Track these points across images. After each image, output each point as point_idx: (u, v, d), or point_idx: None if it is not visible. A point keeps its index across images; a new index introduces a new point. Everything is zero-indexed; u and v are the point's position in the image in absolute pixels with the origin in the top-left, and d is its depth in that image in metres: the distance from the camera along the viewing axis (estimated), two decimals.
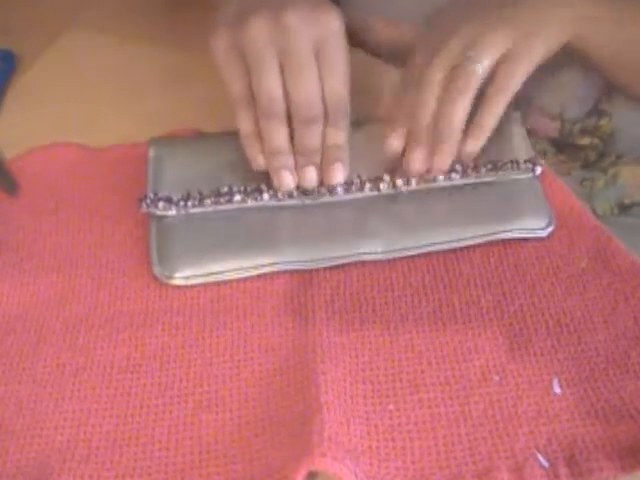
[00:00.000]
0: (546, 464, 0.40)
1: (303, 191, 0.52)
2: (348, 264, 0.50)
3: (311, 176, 0.51)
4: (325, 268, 0.50)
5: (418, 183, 0.51)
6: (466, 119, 0.50)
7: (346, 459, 0.39)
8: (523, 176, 0.52)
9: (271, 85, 0.50)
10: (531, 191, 0.52)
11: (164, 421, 0.43)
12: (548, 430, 0.41)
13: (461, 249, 0.50)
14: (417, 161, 0.51)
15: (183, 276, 0.49)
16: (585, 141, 0.63)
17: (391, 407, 0.43)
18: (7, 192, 0.56)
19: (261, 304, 0.48)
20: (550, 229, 0.50)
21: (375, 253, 0.49)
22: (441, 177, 0.51)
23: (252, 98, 0.51)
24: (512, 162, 0.52)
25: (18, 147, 0.59)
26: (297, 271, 0.50)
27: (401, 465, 0.40)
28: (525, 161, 0.52)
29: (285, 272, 0.50)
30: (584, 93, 0.62)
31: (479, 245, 0.50)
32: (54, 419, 0.44)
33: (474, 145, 0.51)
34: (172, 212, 0.51)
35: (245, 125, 0.52)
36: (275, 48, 0.50)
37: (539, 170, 0.52)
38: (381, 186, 0.52)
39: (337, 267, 0.49)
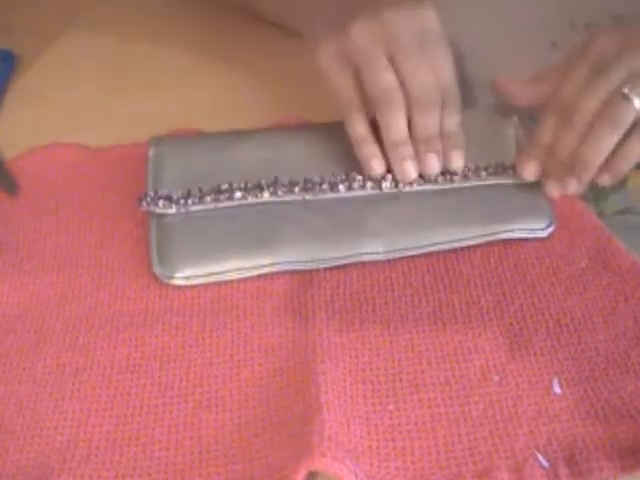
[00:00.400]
0: (546, 464, 0.40)
1: (304, 187, 0.52)
2: (348, 264, 0.50)
3: (433, 162, 0.51)
4: (325, 268, 0.50)
5: (419, 184, 0.52)
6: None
7: (346, 459, 0.39)
8: (523, 181, 0.52)
9: (387, 76, 0.51)
10: (532, 191, 0.52)
11: (164, 421, 0.43)
12: (548, 430, 0.41)
13: (461, 249, 0.50)
14: (554, 190, 0.51)
15: (183, 276, 0.49)
16: None
17: (391, 407, 0.43)
18: (7, 192, 0.56)
19: (261, 304, 0.48)
20: (550, 229, 0.50)
21: (376, 253, 0.49)
22: (441, 178, 0.51)
23: (361, 103, 0.52)
24: (512, 167, 0.52)
25: (18, 147, 0.59)
26: (297, 271, 0.50)
27: (401, 465, 0.40)
28: None
29: (285, 272, 0.50)
30: None
31: (479, 245, 0.50)
32: (54, 419, 0.44)
33: (608, 180, 0.50)
34: (172, 210, 0.51)
35: (358, 127, 0.52)
36: (382, 46, 0.51)
37: None
38: (383, 185, 0.52)
39: (337, 267, 0.49)
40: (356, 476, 0.38)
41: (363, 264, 0.50)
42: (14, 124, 0.62)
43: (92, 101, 0.64)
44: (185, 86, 0.65)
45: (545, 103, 0.52)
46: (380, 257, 0.49)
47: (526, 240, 0.50)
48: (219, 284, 0.49)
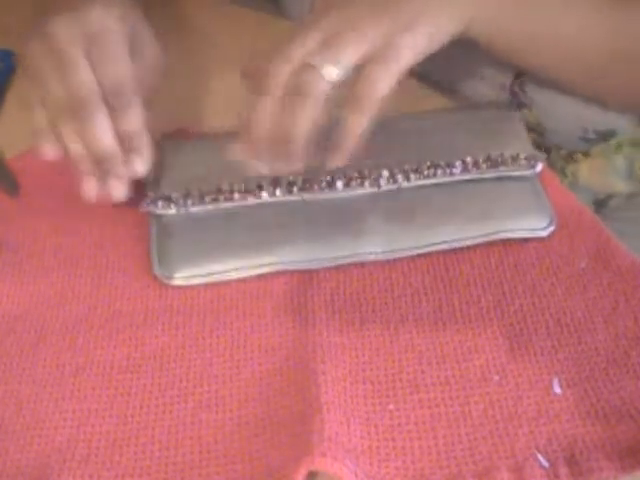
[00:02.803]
0: (546, 464, 0.40)
1: (302, 187, 0.52)
2: (348, 264, 0.49)
3: (113, 187, 0.49)
4: (325, 268, 0.50)
5: (418, 178, 0.51)
6: (312, 126, 0.44)
7: (346, 459, 0.39)
8: (524, 172, 0.52)
9: (50, 92, 0.49)
10: (532, 191, 0.52)
11: (164, 421, 0.43)
12: (548, 430, 0.41)
13: (461, 249, 0.50)
14: (260, 167, 0.47)
15: (183, 276, 0.49)
16: None
17: (391, 407, 0.43)
18: (7, 192, 0.56)
19: (261, 304, 0.48)
20: (551, 229, 0.50)
21: (375, 253, 0.49)
22: (440, 172, 0.51)
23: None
24: (513, 158, 0.52)
25: (18, 147, 0.59)
26: (297, 271, 0.50)
27: (401, 465, 0.40)
28: (526, 157, 0.52)
29: (285, 272, 0.50)
30: (493, 78, 0.62)
31: (479, 245, 0.50)
32: (54, 419, 0.44)
33: (336, 160, 0.46)
34: (172, 211, 0.51)
35: (35, 123, 0.50)
36: (46, 59, 0.49)
37: (540, 166, 0.52)
38: (381, 182, 0.52)
39: (337, 267, 0.49)
40: (356, 476, 0.38)
41: (363, 264, 0.50)
42: (14, 124, 0.62)
43: None
44: (185, 86, 0.65)
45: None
46: (380, 257, 0.49)
47: (526, 240, 0.50)
48: (219, 284, 0.49)
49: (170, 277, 0.50)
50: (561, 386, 0.43)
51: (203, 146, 0.56)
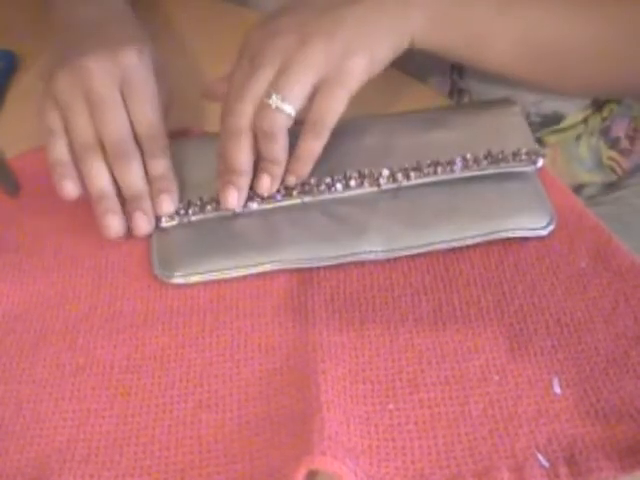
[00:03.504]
0: (546, 464, 0.40)
1: (302, 190, 0.52)
2: (348, 263, 0.49)
3: (140, 222, 0.50)
4: (325, 267, 0.49)
5: (418, 177, 0.51)
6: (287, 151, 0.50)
7: (346, 458, 0.39)
8: (525, 168, 0.52)
9: (81, 128, 0.50)
10: (532, 189, 0.52)
11: (164, 421, 0.43)
12: (548, 430, 0.41)
13: (461, 249, 0.50)
14: (233, 198, 0.50)
15: (183, 274, 0.49)
16: None
17: (391, 407, 0.43)
18: (7, 192, 0.56)
19: (261, 304, 0.48)
20: (551, 227, 0.50)
21: (375, 252, 0.49)
22: (440, 169, 0.51)
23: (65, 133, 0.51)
24: (514, 154, 0.52)
25: (18, 147, 0.59)
26: (297, 270, 0.50)
27: (401, 465, 0.40)
28: (527, 152, 0.52)
29: (285, 271, 0.50)
30: (433, 66, 0.62)
31: (479, 245, 0.50)
32: (54, 419, 0.44)
33: (294, 180, 0.51)
34: (174, 222, 0.52)
35: (56, 152, 0.51)
36: (81, 95, 0.50)
37: (541, 162, 0.52)
38: (381, 181, 0.51)
39: (337, 267, 0.49)
40: (356, 475, 0.38)
41: (363, 264, 0.50)
42: (14, 124, 0.62)
43: None
44: (185, 86, 0.65)
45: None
46: (380, 256, 0.49)
47: (526, 240, 0.50)
48: (219, 283, 0.49)
49: (170, 275, 0.50)
50: (561, 386, 0.43)
51: (201, 152, 0.56)
